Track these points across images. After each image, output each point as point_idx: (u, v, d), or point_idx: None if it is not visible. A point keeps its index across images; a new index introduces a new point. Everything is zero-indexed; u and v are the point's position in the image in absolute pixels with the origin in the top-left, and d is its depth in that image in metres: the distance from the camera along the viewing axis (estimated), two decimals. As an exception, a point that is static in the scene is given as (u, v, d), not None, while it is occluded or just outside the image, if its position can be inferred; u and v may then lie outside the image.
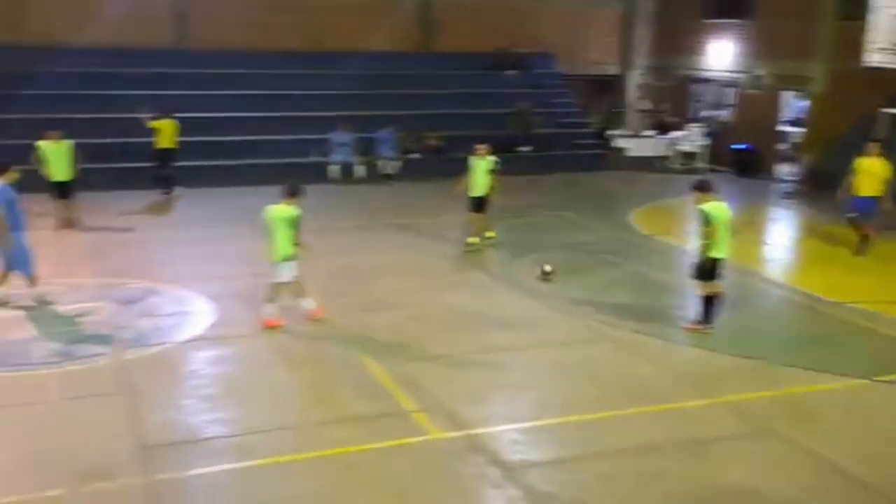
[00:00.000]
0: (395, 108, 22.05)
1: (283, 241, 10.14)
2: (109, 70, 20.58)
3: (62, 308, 10.84)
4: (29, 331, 10.04)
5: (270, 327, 10.32)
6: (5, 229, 10.64)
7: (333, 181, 20.21)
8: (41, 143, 15.07)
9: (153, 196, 17.99)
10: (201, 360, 9.43)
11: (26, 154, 15.30)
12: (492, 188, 14.32)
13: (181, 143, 18.56)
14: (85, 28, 20.14)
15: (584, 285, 12.60)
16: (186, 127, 19.30)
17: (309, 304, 10.66)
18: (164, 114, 18.12)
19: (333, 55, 22.51)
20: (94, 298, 11.23)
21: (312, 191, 18.38)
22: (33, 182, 15.77)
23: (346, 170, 20.61)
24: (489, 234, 14.71)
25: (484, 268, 13.43)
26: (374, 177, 20.72)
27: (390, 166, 21.03)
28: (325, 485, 6.96)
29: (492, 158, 14.33)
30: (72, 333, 9.98)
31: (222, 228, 15.44)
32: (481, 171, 14.26)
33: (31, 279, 11.03)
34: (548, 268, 12.74)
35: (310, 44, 22.85)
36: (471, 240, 14.33)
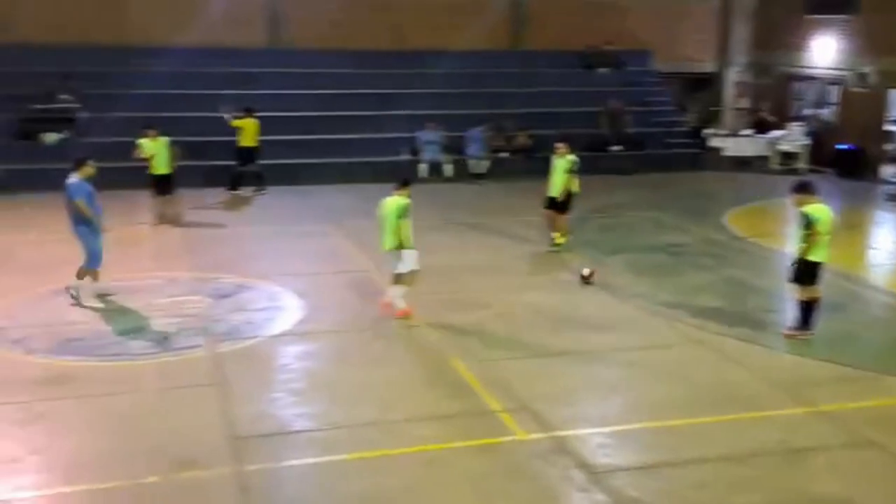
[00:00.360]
0: (484, 107, 21.99)
1: (400, 232, 10.56)
2: (205, 70, 21.14)
3: (159, 301, 11.18)
4: (127, 322, 10.39)
5: (404, 316, 10.60)
6: (93, 217, 10.95)
7: (422, 180, 20.29)
8: (142, 141, 15.61)
9: (242, 193, 18.37)
10: (290, 355, 9.59)
11: (126, 151, 15.92)
12: (571, 188, 13.99)
13: (271, 141, 18.94)
14: (182, 29, 20.75)
15: (675, 288, 12.32)
16: (277, 125, 19.78)
17: (395, 294, 10.74)
18: (247, 112, 18.49)
19: (422, 54, 22.60)
20: (190, 292, 11.56)
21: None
22: (135, 178, 16.49)
23: (435, 169, 20.68)
24: (560, 239, 14.16)
25: (571, 268, 13.27)
26: (463, 176, 20.72)
27: (479, 165, 21.00)
28: (409, 481, 6.98)
29: (571, 158, 14.00)
30: (168, 326, 10.29)
31: (311, 226, 15.68)
32: (560, 170, 14.02)
33: (93, 273, 11.21)
34: (586, 271, 12.42)
35: (398, 43, 23.04)
36: (559, 240, 14.14)
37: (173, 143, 15.84)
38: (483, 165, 21.00)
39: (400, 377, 8.99)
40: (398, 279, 10.73)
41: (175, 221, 15.58)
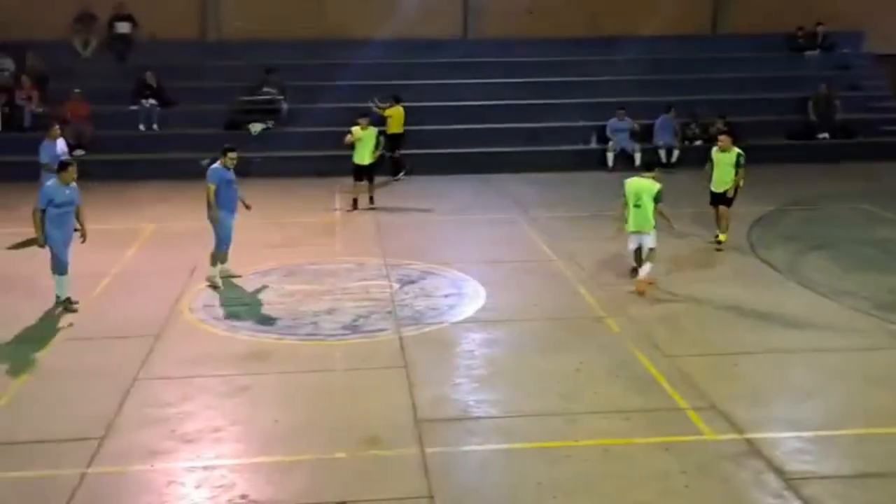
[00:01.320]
0: (678, 94, 21.15)
1: (647, 212, 11.03)
2: (401, 61, 21.68)
3: (350, 285, 11.59)
4: (320, 304, 10.84)
5: (641, 292, 10.97)
6: (214, 207, 11.32)
7: (611, 169, 19.88)
8: (354, 129, 16.17)
9: (437, 181, 18.66)
10: (473, 342, 9.66)
11: (323, 140, 16.64)
12: (737, 183, 12.99)
13: (460, 130, 19.19)
14: (380, 23, 21.37)
15: (885, 286, 11.36)
16: (466, 114, 20.01)
17: (645, 272, 11.15)
18: (395, 101, 18.80)
19: (615, 39, 22.06)
20: (378, 277, 11.91)
21: (589, 179, 18.54)
22: (333, 166, 17.24)
23: (624, 157, 20.18)
24: (723, 236, 13.24)
25: (769, 261, 12.55)
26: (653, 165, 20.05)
27: (671, 154, 20.28)
28: (590, 474, 6.84)
29: (737, 151, 13.04)
30: (357, 309, 10.64)
31: (496, 214, 15.73)
32: (724, 164, 13.03)
33: (219, 257, 11.55)
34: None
35: (592, 29, 22.66)
36: (722, 237, 13.18)
37: (379, 134, 16.32)
38: (674, 154, 20.27)
39: (583, 368, 8.83)
40: (650, 256, 11.19)
41: (373, 206, 16.05)
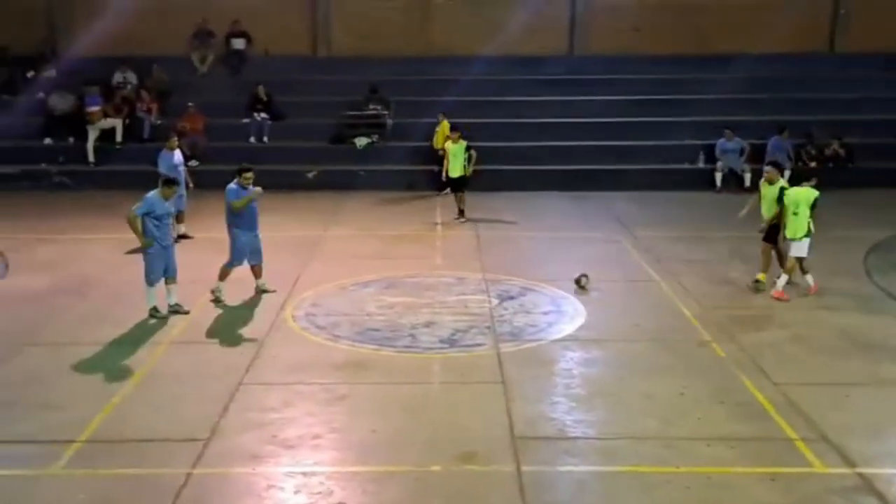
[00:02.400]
0: (792, 114, 20.49)
1: (803, 220, 11.37)
2: (505, 77, 21.73)
3: (448, 299, 11.63)
4: (419, 317, 10.90)
5: (779, 299, 11.29)
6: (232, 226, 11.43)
7: (719, 190, 19.39)
8: (447, 144, 16.40)
9: (537, 198, 18.57)
10: (572, 360, 9.54)
11: (427, 155, 16.82)
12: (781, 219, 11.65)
13: (558, 147, 19.32)
14: (484, 40, 21.52)
15: None
16: (566, 131, 19.86)
17: (810, 280, 11.55)
18: (443, 116, 18.87)
19: (724, 57, 21.56)
20: (477, 292, 11.91)
21: (696, 199, 18.11)
22: (435, 180, 17.43)
23: (732, 178, 19.64)
24: (760, 276, 11.93)
25: (886, 288, 11.97)
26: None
27: (783, 175, 19.57)
28: (690, 502, 6.64)
29: (781, 184, 11.81)
30: (455, 323, 10.65)
31: (600, 232, 15.54)
32: (768, 199, 11.86)
33: (228, 272, 11.54)
34: (582, 279, 11.89)
35: (701, 46, 22.21)
36: (759, 276, 11.92)
37: (469, 148, 16.46)
38: (785, 175, 19.55)
39: (686, 392, 8.59)
40: (801, 264, 11.57)
41: (463, 219, 16.17)
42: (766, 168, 12.42)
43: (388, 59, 22.28)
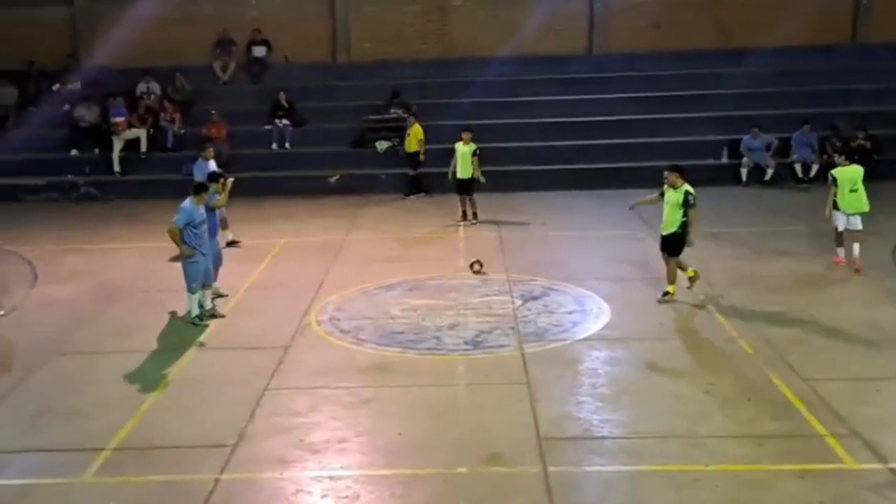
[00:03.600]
0: (816, 106, 20.29)
1: (862, 194, 12.35)
2: (525, 77, 21.67)
3: (472, 300, 11.62)
4: (443, 319, 10.90)
5: (837, 263, 12.48)
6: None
7: (745, 184, 19.23)
8: (458, 145, 16.28)
9: (559, 197, 18.48)
10: (597, 360, 9.50)
11: (442, 157, 16.77)
12: (689, 226, 10.95)
13: (581, 146, 19.24)
14: (503, 41, 21.51)
15: None
16: (591, 130, 19.86)
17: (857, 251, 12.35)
18: (414, 118, 18.96)
19: (745, 51, 21.35)
20: (500, 293, 11.88)
21: (722, 194, 17.95)
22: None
23: (759, 173, 19.47)
24: (671, 287, 11.25)
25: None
26: (788, 180, 19.29)
27: (808, 169, 19.41)
28: (720, 500, 6.60)
29: (685, 189, 10.88)
30: (479, 324, 10.64)
31: (623, 230, 15.40)
32: (671, 204, 11.02)
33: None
34: (475, 265, 12.25)
35: (722, 41, 22.04)
36: (669, 288, 11.18)
37: (475, 151, 16.10)
38: (812, 169, 19.39)
39: (713, 390, 8.52)
40: (858, 237, 12.40)
41: (475, 220, 16.13)
42: (666, 173, 11.16)
43: (408, 62, 22.32)
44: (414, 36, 22.70)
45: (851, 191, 12.30)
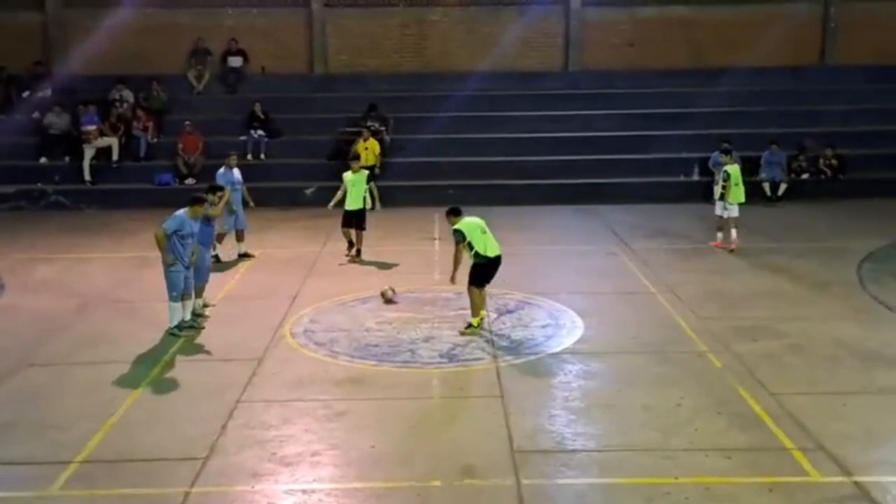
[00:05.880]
0: (785, 126, 20.69)
1: (741, 188, 14.43)
2: (501, 92, 21.87)
3: (447, 314, 11.65)
4: (418, 332, 10.93)
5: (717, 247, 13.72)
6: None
7: (714, 202, 19.41)
8: (346, 174, 14.92)
9: (535, 212, 18.59)
10: (570, 373, 9.57)
11: (424, 171, 16.90)
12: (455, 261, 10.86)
13: (558, 161, 19.36)
14: (480, 56, 21.78)
15: None
16: (566, 146, 20.04)
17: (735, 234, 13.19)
18: (372, 134, 19.17)
19: (719, 71, 21.74)
20: (476, 306, 11.91)
21: (691, 211, 18.17)
22: (432, 197, 17.42)
23: (762, 187, 19.67)
24: (475, 321, 10.85)
25: (880, 298, 12.03)
26: (756, 198, 19.53)
27: (777, 188, 19.69)
28: (690, 514, 6.67)
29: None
30: (454, 338, 10.68)
31: (596, 245, 15.59)
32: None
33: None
34: (389, 291, 12.07)
35: (695, 60, 22.39)
36: (473, 321, 10.86)
37: (370, 179, 15.02)
38: (780, 188, 19.68)
39: (683, 404, 8.62)
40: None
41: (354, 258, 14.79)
42: (447, 211, 11.01)
43: (385, 75, 22.42)
44: (391, 49, 22.82)
45: (736, 185, 14.74)
